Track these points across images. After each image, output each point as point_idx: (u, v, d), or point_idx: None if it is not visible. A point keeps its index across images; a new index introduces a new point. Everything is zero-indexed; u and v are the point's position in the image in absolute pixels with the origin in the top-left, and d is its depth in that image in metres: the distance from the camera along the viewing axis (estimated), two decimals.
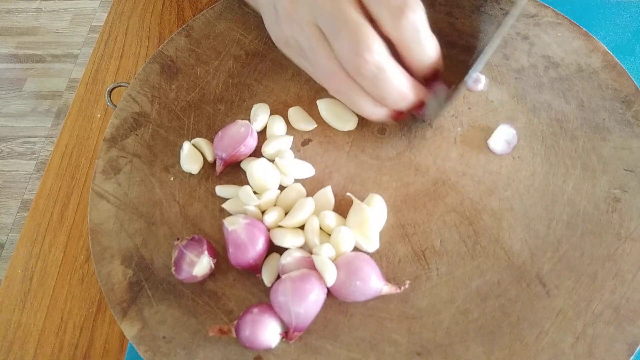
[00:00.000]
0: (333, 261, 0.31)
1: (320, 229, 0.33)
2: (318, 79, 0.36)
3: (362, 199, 0.35)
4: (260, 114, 0.38)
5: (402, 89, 0.32)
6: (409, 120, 0.38)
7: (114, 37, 0.52)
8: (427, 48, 0.32)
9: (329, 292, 0.31)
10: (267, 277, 0.32)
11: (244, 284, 0.33)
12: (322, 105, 0.39)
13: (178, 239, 0.32)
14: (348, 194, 0.35)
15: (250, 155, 0.37)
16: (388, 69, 0.31)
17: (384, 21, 0.31)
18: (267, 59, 0.42)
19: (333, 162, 0.37)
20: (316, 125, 0.38)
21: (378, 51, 0.30)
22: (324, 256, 0.31)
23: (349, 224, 0.33)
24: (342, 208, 0.35)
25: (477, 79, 0.38)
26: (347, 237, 0.32)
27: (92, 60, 0.50)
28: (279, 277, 0.32)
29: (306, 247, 0.33)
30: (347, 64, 0.31)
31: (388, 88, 0.32)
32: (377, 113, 0.34)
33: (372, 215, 0.33)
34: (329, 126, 0.39)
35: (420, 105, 0.34)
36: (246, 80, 0.41)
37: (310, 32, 0.32)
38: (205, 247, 0.32)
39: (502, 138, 0.37)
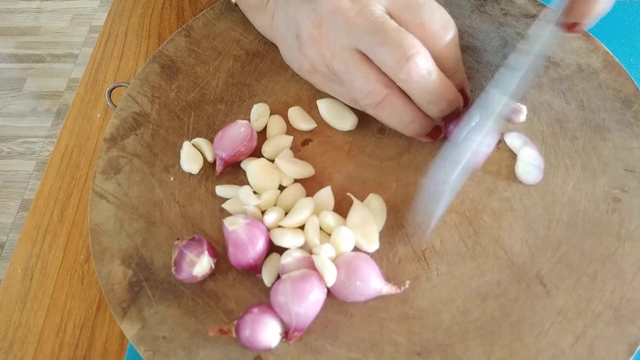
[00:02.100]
0: (333, 261, 0.31)
1: (320, 229, 0.33)
2: (354, 101, 0.35)
3: (362, 199, 0.35)
4: (260, 114, 0.38)
5: (449, 92, 0.32)
6: (440, 139, 0.37)
7: (114, 37, 0.52)
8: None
9: (329, 292, 0.31)
10: (267, 277, 0.32)
11: (244, 284, 0.33)
12: (322, 105, 0.39)
13: (178, 239, 0.32)
14: (348, 193, 0.35)
15: (250, 155, 0.37)
16: (436, 72, 0.32)
17: (427, 29, 0.32)
18: (267, 59, 0.42)
19: (333, 162, 0.37)
20: (316, 125, 0.38)
21: (426, 55, 0.31)
22: (324, 256, 0.31)
23: (349, 224, 0.33)
24: (342, 208, 0.35)
25: (519, 110, 0.37)
26: (347, 237, 0.32)
27: (92, 60, 0.50)
28: (279, 277, 0.32)
29: (306, 247, 0.33)
30: (396, 73, 0.31)
31: (437, 91, 0.32)
32: (415, 126, 0.34)
33: (372, 215, 0.33)
34: (329, 126, 0.39)
35: (454, 116, 0.35)
36: (246, 80, 0.41)
37: (346, 54, 0.32)
38: (205, 247, 0.32)
39: (528, 163, 0.35)
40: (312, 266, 0.31)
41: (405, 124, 0.34)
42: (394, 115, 0.34)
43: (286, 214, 0.34)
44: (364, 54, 0.32)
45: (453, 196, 0.34)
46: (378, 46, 0.31)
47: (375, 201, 0.34)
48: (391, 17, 0.32)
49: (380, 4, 0.32)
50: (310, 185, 0.36)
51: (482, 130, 0.32)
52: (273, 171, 0.35)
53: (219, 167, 0.36)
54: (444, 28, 0.32)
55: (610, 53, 0.40)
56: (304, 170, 0.36)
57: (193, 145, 0.38)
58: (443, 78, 0.32)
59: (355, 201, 0.34)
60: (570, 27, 0.34)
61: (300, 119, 0.38)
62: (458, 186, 0.33)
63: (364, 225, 0.33)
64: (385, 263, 0.33)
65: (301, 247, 0.33)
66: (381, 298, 0.32)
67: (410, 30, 0.31)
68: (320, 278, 0.30)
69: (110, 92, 0.42)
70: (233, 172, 0.37)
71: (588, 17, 0.33)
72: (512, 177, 0.36)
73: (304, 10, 0.35)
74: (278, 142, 0.37)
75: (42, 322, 0.37)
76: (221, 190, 0.36)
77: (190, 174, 0.37)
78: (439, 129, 0.36)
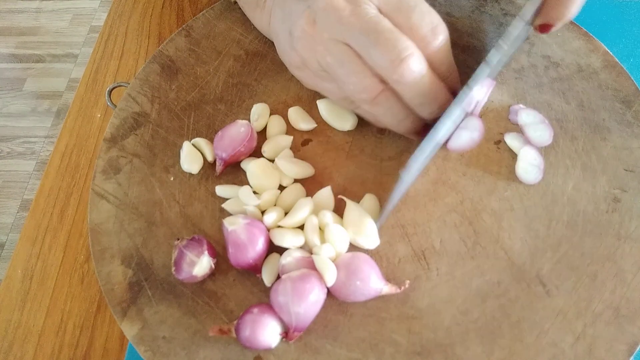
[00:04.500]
0: (333, 261, 0.31)
1: (320, 229, 0.33)
2: (344, 98, 0.35)
3: (361, 199, 0.35)
4: (260, 114, 0.39)
5: (441, 95, 0.33)
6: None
7: (114, 37, 0.52)
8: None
9: (329, 292, 0.31)
10: (267, 277, 0.32)
11: (244, 284, 0.33)
12: (322, 105, 0.39)
13: (178, 239, 0.32)
14: (340, 196, 0.35)
15: (250, 155, 0.37)
16: (429, 75, 0.32)
17: (415, 33, 0.32)
18: (267, 59, 0.42)
19: (333, 162, 0.37)
20: (316, 125, 0.38)
21: (419, 58, 0.31)
22: (324, 256, 0.31)
23: (345, 223, 0.33)
24: (342, 208, 0.35)
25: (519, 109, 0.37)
26: (338, 233, 0.32)
27: (92, 60, 0.50)
28: (279, 277, 0.32)
29: (306, 247, 0.33)
30: (388, 74, 0.31)
31: (429, 93, 0.32)
32: (407, 123, 0.34)
33: (366, 212, 0.33)
34: (329, 126, 0.39)
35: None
36: (246, 80, 0.41)
37: (339, 50, 0.32)
38: (205, 247, 0.32)
39: (528, 163, 0.35)
40: (312, 266, 0.31)
41: (399, 120, 0.34)
42: (389, 111, 0.34)
43: (286, 214, 0.34)
44: (356, 52, 0.32)
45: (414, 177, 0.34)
46: (372, 47, 0.31)
47: (369, 200, 0.34)
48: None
49: (373, 2, 0.32)
50: (310, 185, 0.36)
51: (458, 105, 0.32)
52: (273, 171, 0.35)
53: (219, 167, 0.36)
54: (434, 32, 0.32)
55: (610, 53, 0.40)
56: (304, 170, 0.36)
57: (193, 145, 0.38)
58: (435, 81, 0.32)
59: (349, 202, 0.34)
60: (542, 28, 0.35)
61: (300, 119, 0.38)
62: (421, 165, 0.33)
63: (360, 223, 0.33)
64: (385, 263, 0.33)
65: (301, 247, 0.33)
66: (381, 298, 0.32)
67: (397, 18, 0.31)
68: (320, 278, 0.30)
69: (110, 92, 0.42)
70: (233, 172, 0.37)
71: (560, 20, 0.34)
72: (512, 177, 0.36)
73: (299, 6, 0.35)
74: (278, 142, 0.37)
75: (42, 322, 0.37)
76: (221, 190, 0.36)
77: (190, 174, 0.37)
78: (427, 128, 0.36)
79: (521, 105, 0.38)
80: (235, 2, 0.44)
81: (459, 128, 0.36)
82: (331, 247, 0.32)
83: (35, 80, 1.52)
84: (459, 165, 0.36)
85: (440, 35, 0.32)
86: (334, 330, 0.31)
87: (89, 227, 0.35)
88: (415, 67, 0.31)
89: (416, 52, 0.31)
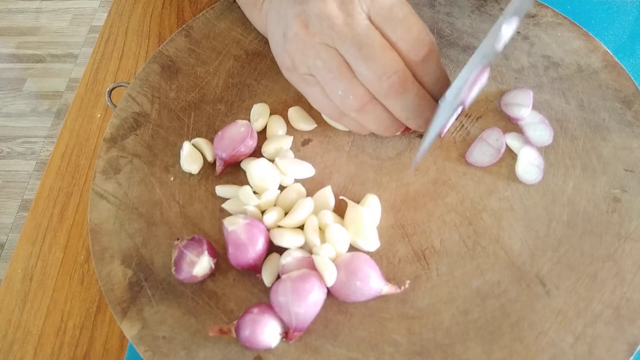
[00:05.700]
0: (333, 261, 0.31)
1: (320, 229, 0.33)
2: (328, 104, 0.35)
3: (362, 199, 0.35)
4: (260, 114, 0.39)
5: (427, 109, 0.33)
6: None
7: (114, 37, 0.52)
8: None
9: (329, 292, 0.31)
10: (267, 277, 0.32)
11: (244, 284, 0.33)
12: None
13: (178, 239, 0.32)
14: (341, 197, 0.35)
15: (250, 155, 0.37)
16: (415, 91, 0.32)
17: (401, 45, 0.32)
18: (267, 59, 0.42)
19: (333, 162, 0.37)
20: (316, 125, 0.38)
21: (406, 74, 0.31)
22: (324, 256, 0.31)
23: (346, 225, 0.33)
24: (342, 208, 0.35)
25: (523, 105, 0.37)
26: (339, 234, 0.32)
27: (92, 60, 0.50)
28: (279, 277, 0.32)
29: (306, 247, 0.33)
30: (374, 87, 0.32)
31: (417, 109, 0.33)
32: (393, 130, 0.35)
33: (367, 215, 0.33)
34: (329, 126, 0.39)
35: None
36: (246, 80, 0.41)
37: (329, 54, 0.33)
38: (205, 247, 0.32)
39: (528, 163, 0.35)
40: (312, 266, 0.31)
41: (385, 127, 0.34)
42: (376, 119, 0.34)
43: (286, 214, 0.34)
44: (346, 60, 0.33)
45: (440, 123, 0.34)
46: (362, 60, 0.31)
47: (370, 201, 0.34)
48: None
49: (364, 11, 0.32)
50: (310, 185, 0.36)
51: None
52: (273, 171, 0.35)
53: (219, 167, 0.36)
54: (419, 44, 0.32)
55: (610, 53, 0.40)
56: (304, 170, 0.36)
57: (193, 145, 0.38)
58: (422, 96, 0.33)
59: (350, 203, 0.34)
60: None
61: (300, 119, 0.38)
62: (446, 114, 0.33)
63: (362, 226, 0.33)
64: (385, 263, 0.33)
65: (301, 247, 0.33)
66: (381, 298, 0.32)
67: (388, 31, 0.32)
68: (320, 278, 0.30)
69: (110, 92, 0.42)
70: (233, 172, 0.37)
71: None
72: (512, 177, 0.36)
73: (294, 10, 0.35)
74: (278, 142, 0.37)
75: (42, 322, 0.37)
76: (221, 190, 0.36)
77: (190, 174, 0.37)
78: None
79: (511, 95, 0.38)
80: (235, 1, 0.44)
81: (484, 143, 0.36)
82: (331, 247, 0.32)
83: (35, 80, 1.52)
84: (459, 165, 0.36)
85: (425, 48, 0.32)
86: (334, 330, 0.31)
87: (89, 227, 0.35)
88: (401, 84, 0.31)
89: (403, 69, 0.31)
